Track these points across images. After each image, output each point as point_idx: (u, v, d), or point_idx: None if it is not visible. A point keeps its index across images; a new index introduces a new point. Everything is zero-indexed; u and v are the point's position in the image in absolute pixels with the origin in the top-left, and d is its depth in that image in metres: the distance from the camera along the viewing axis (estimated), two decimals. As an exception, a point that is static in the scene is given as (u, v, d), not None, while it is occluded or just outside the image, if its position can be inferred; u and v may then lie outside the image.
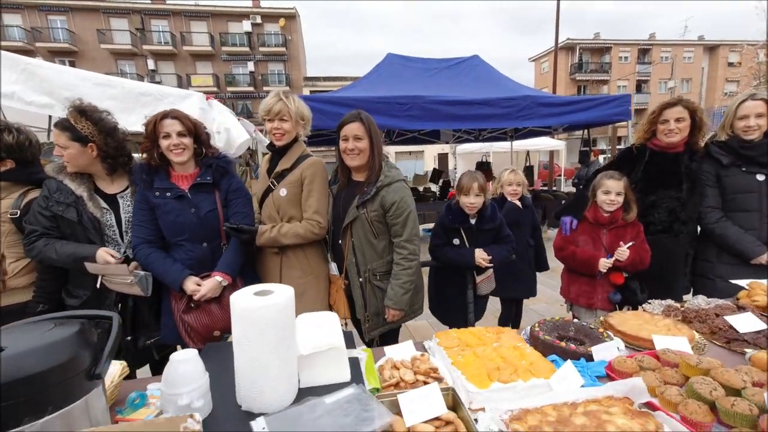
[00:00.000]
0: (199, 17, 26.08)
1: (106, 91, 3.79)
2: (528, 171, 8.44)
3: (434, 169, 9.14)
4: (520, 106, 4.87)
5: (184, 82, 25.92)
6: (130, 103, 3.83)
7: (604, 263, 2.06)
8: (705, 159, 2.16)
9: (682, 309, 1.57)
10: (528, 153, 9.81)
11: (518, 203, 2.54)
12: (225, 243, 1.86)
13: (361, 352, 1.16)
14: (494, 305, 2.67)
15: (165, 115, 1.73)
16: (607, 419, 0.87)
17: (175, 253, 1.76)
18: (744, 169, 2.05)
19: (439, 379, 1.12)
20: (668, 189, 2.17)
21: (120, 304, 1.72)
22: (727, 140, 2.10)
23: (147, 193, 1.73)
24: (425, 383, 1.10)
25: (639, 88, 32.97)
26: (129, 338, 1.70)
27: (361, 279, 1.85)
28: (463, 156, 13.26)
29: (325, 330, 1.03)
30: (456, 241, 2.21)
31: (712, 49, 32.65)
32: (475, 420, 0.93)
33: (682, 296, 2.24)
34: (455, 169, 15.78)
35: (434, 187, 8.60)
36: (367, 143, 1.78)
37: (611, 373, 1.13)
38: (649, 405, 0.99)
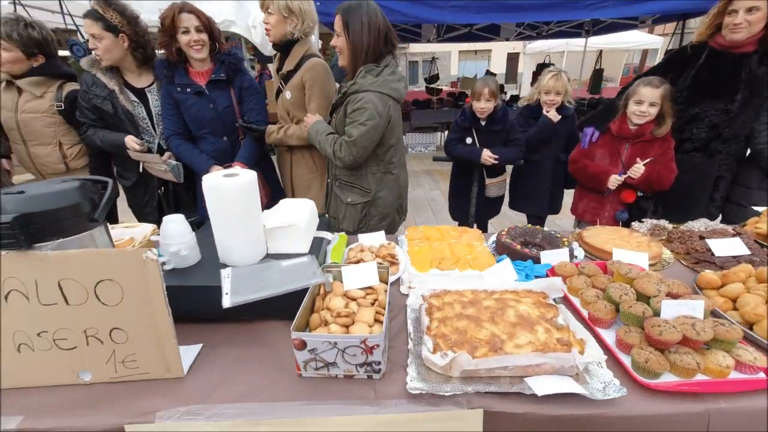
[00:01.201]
0: None
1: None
2: (597, 75, 7.26)
3: (487, 71, 8.24)
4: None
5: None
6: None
7: (615, 179, 1.96)
8: (782, 62, 1.78)
9: (670, 230, 1.53)
10: (601, 53, 8.27)
11: (554, 115, 2.35)
12: (242, 138, 2.06)
13: (332, 235, 1.37)
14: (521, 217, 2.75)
15: (181, 9, 1.77)
16: (513, 305, 1.01)
17: (201, 144, 1.99)
18: (829, 77, 1.68)
19: (395, 263, 1.32)
20: (718, 100, 1.88)
21: (163, 187, 2.07)
22: (819, 38, 1.68)
23: (170, 87, 1.88)
24: (380, 264, 1.31)
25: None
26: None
27: (328, 179, 1.92)
28: (533, 56, 11.63)
29: (294, 212, 1.23)
30: (468, 140, 2.34)
31: None
32: (406, 295, 1.14)
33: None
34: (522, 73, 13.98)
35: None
36: (344, 41, 1.60)
37: (550, 274, 1.23)
38: (565, 298, 1.11)
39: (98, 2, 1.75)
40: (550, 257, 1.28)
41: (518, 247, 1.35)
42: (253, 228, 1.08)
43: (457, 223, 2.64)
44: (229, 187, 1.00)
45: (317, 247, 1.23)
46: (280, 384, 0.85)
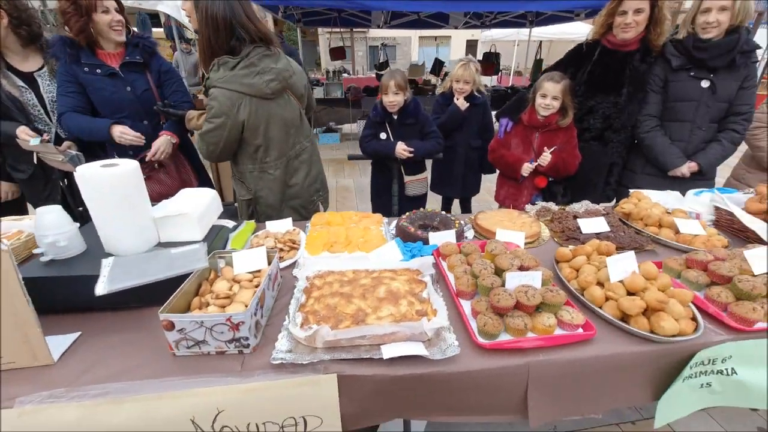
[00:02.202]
0: None
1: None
2: (537, 65, 7.61)
3: (436, 59, 8.36)
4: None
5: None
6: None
7: (527, 167, 2.14)
8: (658, 60, 2.00)
9: (554, 211, 1.71)
10: (540, 44, 8.67)
11: (462, 104, 2.48)
12: (164, 122, 2.01)
13: (231, 222, 1.41)
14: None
15: None
16: (387, 283, 1.11)
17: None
18: (692, 73, 1.91)
19: (294, 248, 1.39)
20: (609, 94, 2.09)
21: (66, 179, 1.96)
22: (684, 38, 1.90)
23: (74, 67, 1.76)
24: (281, 249, 1.38)
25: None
26: (80, 209, 1.98)
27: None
28: (485, 44, 11.89)
29: (190, 201, 1.26)
30: (383, 135, 2.30)
31: None
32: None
33: (599, 202, 2.34)
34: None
35: (435, 80, 8.02)
36: (202, 34, 1.51)
37: (435, 253, 1.35)
38: (444, 274, 1.23)
39: None
40: (438, 238, 1.40)
41: (412, 229, 1.46)
42: (138, 218, 1.10)
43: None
44: (105, 177, 1.01)
45: (214, 235, 1.27)
46: (153, 364, 0.90)
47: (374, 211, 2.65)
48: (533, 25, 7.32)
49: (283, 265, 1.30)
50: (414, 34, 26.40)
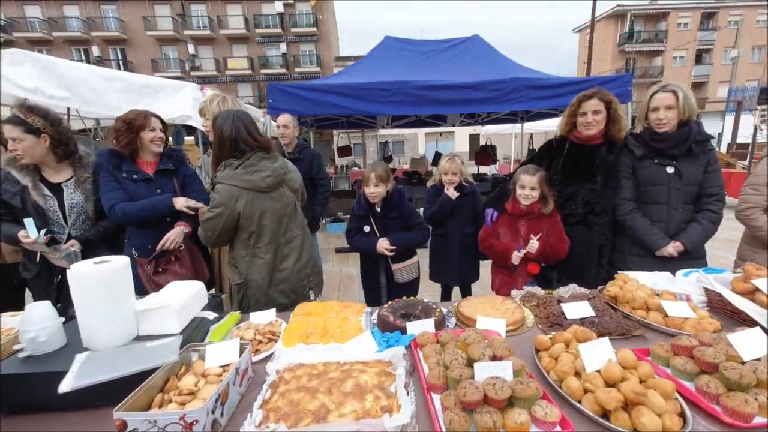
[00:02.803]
0: (234, 0, 26.77)
1: (113, 84, 4.25)
2: (530, 154, 8.19)
3: (436, 152, 9.09)
4: (508, 89, 4.78)
5: (221, 66, 27.00)
6: (133, 94, 4.28)
7: (516, 256, 2.17)
8: (623, 150, 2.16)
9: (539, 296, 1.69)
10: (532, 135, 9.42)
11: (452, 193, 2.65)
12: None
13: (213, 314, 1.44)
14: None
15: (151, 114, 2.11)
16: (356, 376, 1.08)
17: (144, 227, 2.08)
18: (656, 161, 2.05)
19: (273, 339, 1.39)
20: (584, 182, 2.21)
21: (60, 275, 2.03)
22: (641, 132, 2.09)
23: (115, 173, 2.04)
24: (260, 341, 1.38)
25: (699, 58, 29.61)
26: (59, 305, 2.01)
27: None
28: (486, 138, 12.96)
29: (174, 294, 1.32)
30: (366, 228, 2.39)
31: (796, 9, 28.28)
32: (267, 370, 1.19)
33: (596, 285, 2.29)
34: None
35: (436, 171, 8.58)
36: (214, 147, 1.87)
37: (412, 343, 1.32)
38: (419, 365, 1.19)
39: (21, 108, 1.92)
40: (416, 327, 1.39)
41: (391, 318, 1.46)
42: (120, 311, 1.16)
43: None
44: (93, 272, 1.10)
45: (193, 327, 1.30)
46: (102, 471, 0.86)
47: (366, 299, 2.66)
48: (524, 121, 8.05)
49: (259, 357, 1.29)
50: (420, 130, 29.20)
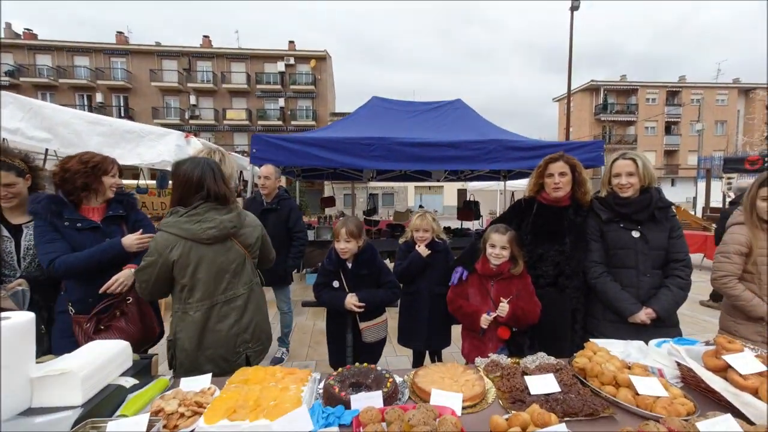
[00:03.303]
0: (239, 58, 28.65)
1: (96, 128, 4.28)
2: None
3: (420, 206, 9.24)
4: (487, 149, 4.97)
5: (220, 116, 28.07)
6: (116, 138, 4.31)
7: (485, 319, 2.05)
8: (590, 213, 2.17)
9: (504, 365, 1.56)
10: (513, 193, 9.73)
11: (423, 250, 2.59)
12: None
13: (131, 380, 1.27)
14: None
15: (114, 159, 2.04)
16: (277, 463, 0.93)
17: (95, 277, 1.86)
18: (621, 225, 2.04)
19: (198, 413, 1.21)
20: (553, 243, 2.18)
21: None
22: (606, 196, 2.11)
23: (55, 221, 1.85)
24: (182, 414, 1.20)
25: (668, 129, 32.08)
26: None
27: None
28: (472, 192, 13.31)
29: (84, 356, 1.17)
30: (335, 284, 2.28)
31: (747, 92, 31.46)
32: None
33: (571, 352, 2.16)
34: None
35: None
36: (174, 191, 1.79)
37: (354, 421, 1.16)
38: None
39: (5, 153, 1.90)
40: (360, 401, 1.23)
41: (336, 389, 1.30)
42: (10, 378, 1.00)
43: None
44: (-15, 332, 0.97)
45: (101, 398, 1.13)
46: None
47: (330, 359, 2.46)
48: (506, 179, 8.32)
49: (175, 436, 1.11)
50: (410, 183, 30.04)
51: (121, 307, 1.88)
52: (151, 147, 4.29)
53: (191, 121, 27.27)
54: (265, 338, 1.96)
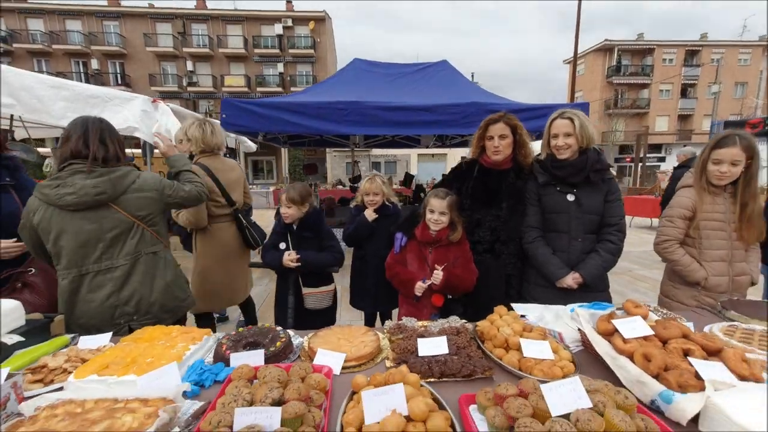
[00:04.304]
0: (235, 21, 27.55)
1: (60, 92, 4.19)
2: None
3: (406, 173, 9.12)
4: (466, 113, 4.77)
5: (218, 83, 27.45)
6: (80, 104, 4.22)
7: (420, 287, 2.03)
8: (530, 176, 2.09)
9: (407, 328, 1.56)
10: None
11: (369, 215, 2.55)
12: None
13: (16, 338, 1.30)
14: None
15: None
16: (120, 416, 0.94)
17: None
18: (558, 188, 1.97)
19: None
20: (491, 207, 2.12)
21: None
22: (544, 159, 2.02)
23: None
24: (65, 370, 1.24)
25: (684, 92, 30.54)
26: None
27: None
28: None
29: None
30: (282, 245, 2.30)
31: (775, 50, 29.47)
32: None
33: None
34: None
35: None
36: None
37: (228, 378, 1.18)
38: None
39: None
40: (241, 359, 1.25)
41: (223, 348, 1.32)
42: None
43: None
44: None
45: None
46: None
47: (276, 322, 2.51)
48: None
49: (48, 389, 1.14)
50: (413, 151, 29.56)
51: (23, 279, 1.82)
52: (116, 112, 4.20)
53: (189, 88, 26.80)
54: (160, 311, 1.81)
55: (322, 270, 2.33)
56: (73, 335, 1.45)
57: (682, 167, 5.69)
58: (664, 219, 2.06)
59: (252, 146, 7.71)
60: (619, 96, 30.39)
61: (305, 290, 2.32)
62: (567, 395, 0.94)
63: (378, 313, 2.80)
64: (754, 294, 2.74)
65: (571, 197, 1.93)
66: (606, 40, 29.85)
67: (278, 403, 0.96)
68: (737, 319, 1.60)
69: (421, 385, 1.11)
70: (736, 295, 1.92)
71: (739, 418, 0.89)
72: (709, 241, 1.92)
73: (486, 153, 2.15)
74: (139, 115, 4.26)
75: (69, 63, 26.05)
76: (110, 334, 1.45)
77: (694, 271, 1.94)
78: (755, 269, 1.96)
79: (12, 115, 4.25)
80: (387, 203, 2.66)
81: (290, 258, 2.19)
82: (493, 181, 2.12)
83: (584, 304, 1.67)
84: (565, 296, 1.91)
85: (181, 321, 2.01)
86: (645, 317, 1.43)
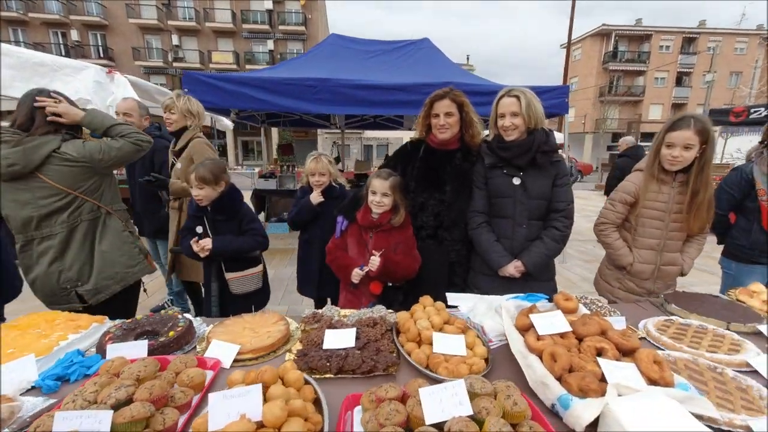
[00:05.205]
0: (222, -7, 26.41)
1: (4, 60, 3.91)
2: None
3: (385, 155, 8.98)
4: (441, 94, 4.59)
5: (205, 59, 26.57)
6: (27, 72, 3.95)
7: (356, 273, 1.90)
8: (479, 158, 1.95)
9: (323, 318, 1.45)
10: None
11: (314, 197, 2.41)
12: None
13: None
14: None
15: None
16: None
17: None
18: (505, 171, 1.84)
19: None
20: (435, 190, 1.99)
21: None
22: (491, 139, 1.88)
23: None
24: None
25: (679, 80, 30.31)
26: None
27: None
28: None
29: None
30: (199, 229, 2.10)
31: (771, 40, 29.19)
32: None
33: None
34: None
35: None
36: None
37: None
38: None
39: None
40: (116, 351, 1.13)
41: (105, 338, 1.20)
42: None
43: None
44: None
45: None
46: None
47: (203, 311, 2.33)
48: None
49: None
50: (406, 133, 29.14)
51: None
52: (66, 83, 3.92)
53: (175, 64, 25.85)
54: (104, 278, 1.82)
55: (240, 256, 2.15)
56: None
57: (624, 156, 5.70)
58: (607, 202, 2.00)
59: (228, 124, 7.43)
60: (615, 83, 30.04)
61: (228, 275, 2.14)
62: (447, 401, 0.84)
63: (329, 300, 2.69)
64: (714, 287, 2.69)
65: (516, 181, 1.81)
66: (603, 24, 29.24)
67: (124, 404, 0.85)
68: (677, 314, 1.52)
69: (308, 383, 1.01)
70: (660, 283, 1.90)
71: (632, 427, 0.79)
72: (643, 229, 1.88)
73: (432, 132, 2.01)
74: (91, 86, 4.00)
75: (47, 33, 24.86)
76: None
77: (623, 256, 1.93)
78: (688, 260, 1.92)
79: (-51, 83, 3.95)
80: (334, 184, 2.51)
81: (199, 247, 1.98)
82: (438, 162, 1.99)
83: (519, 295, 1.58)
84: (508, 285, 1.81)
85: (134, 289, 2.02)
86: (574, 311, 1.34)
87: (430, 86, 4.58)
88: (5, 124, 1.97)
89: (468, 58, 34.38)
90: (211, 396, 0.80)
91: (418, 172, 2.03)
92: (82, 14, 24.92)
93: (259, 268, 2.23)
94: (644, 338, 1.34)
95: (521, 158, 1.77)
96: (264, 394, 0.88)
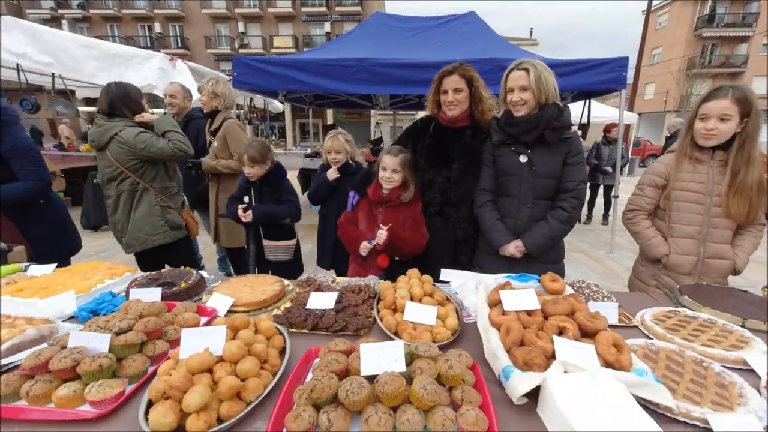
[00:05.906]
0: (284, -22, 27.19)
1: (90, 52, 4.52)
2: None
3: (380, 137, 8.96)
4: (481, 70, 4.32)
5: (267, 44, 27.81)
6: (107, 62, 4.53)
7: (365, 246, 2.00)
8: (488, 135, 1.90)
9: (317, 283, 1.57)
10: None
11: (331, 173, 2.53)
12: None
13: None
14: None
15: None
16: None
17: None
18: (512, 148, 1.78)
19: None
20: (443, 167, 1.99)
21: None
22: (500, 116, 1.82)
23: None
24: None
25: (799, 48, 25.02)
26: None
27: None
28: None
29: None
30: (246, 199, 2.38)
31: None
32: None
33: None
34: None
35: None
36: None
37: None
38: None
39: None
40: (135, 294, 1.35)
41: (134, 285, 1.43)
42: None
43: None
44: None
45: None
46: None
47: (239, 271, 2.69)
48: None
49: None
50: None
51: None
52: (137, 71, 4.46)
53: (240, 50, 27.46)
54: (130, 238, 2.33)
55: (275, 221, 2.40)
56: (26, 264, 1.66)
57: (672, 138, 4.98)
58: (636, 188, 1.80)
59: (279, 106, 7.84)
60: (708, 52, 25.82)
61: (265, 242, 2.43)
62: (384, 357, 0.90)
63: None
64: None
65: (523, 158, 1.73)
66: (701, -17, 25.08)
67: (125, 332, 1.03)
68: (689, 306, 1.39)
69: (281, 333, 1.14)
70: (706, 279, 1.65)
71: (562, 403, 0.80)
72: (679, 214, 1.65)
73: (441, 109, 1.98)
74: (156, 73, 4.48)
75: (136, 27, 27.78)
76: (54, 265, 1.63)
77: (655, 246, 1.72)
78: (742, 254, 1.64)
79: (53, 73, 4.67)
80: (350, 162, 2.60)
81: (242, 213, 2.30)
82: (447, 139, 1.97)
83: (511, 274, 1.55)
84: (510, 266, 1.78)
85: (169, 248, 2.41)
86: (560, 292, 1.31)
87: (471, 63, 4.42)
88: (89, 109, 2.60)
89: (531, 32, 31.73)
90: (184, 331, 0.95)
91: (428, 149, 2.04)
92: (164, 8, 27.38)
93: (293, 241, 2.48)
94: (636, 327, 1.26)
95: (528, 135, 1.69)
96: (234, 337, 1.01)
